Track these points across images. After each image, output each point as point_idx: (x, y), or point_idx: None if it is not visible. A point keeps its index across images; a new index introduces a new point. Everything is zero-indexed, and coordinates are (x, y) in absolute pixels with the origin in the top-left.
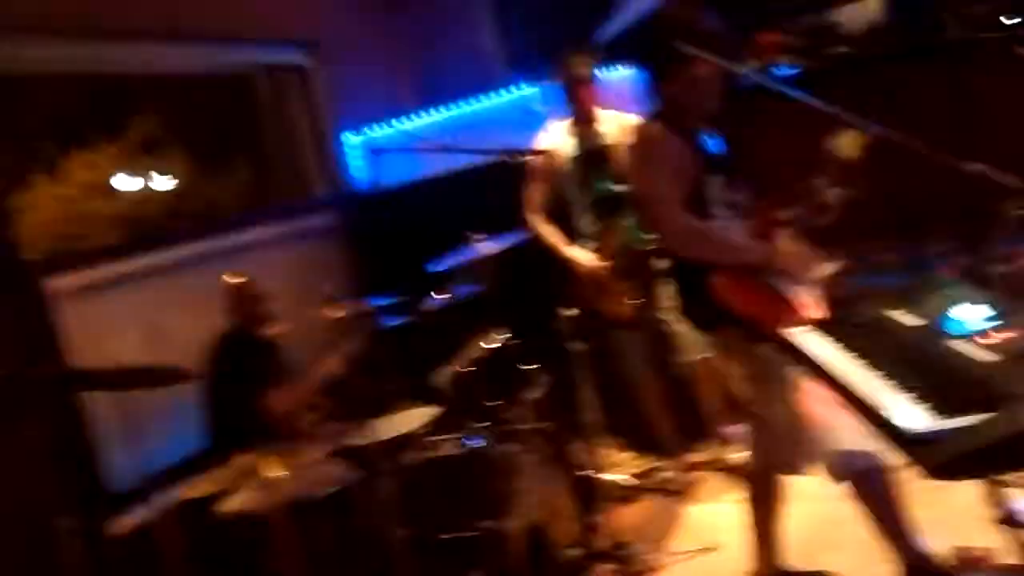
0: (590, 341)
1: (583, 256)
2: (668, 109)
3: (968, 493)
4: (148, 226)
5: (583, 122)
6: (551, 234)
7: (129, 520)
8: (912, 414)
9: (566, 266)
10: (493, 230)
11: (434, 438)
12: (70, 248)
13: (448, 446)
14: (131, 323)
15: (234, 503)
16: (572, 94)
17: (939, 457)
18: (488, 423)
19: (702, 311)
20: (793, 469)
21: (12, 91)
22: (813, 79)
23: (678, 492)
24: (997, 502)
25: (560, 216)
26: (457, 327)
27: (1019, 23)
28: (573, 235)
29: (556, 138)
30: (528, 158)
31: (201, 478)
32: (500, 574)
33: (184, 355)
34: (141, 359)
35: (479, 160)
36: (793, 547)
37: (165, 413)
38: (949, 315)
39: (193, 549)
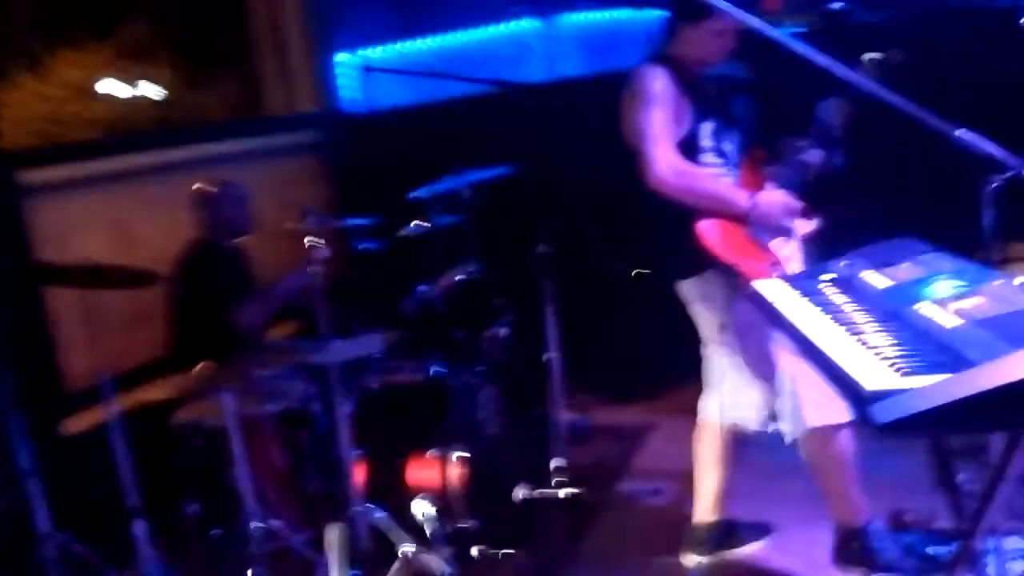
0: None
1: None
2: (672, 54)
3: (912, 456)
4: (131, 131)
5: None
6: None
7: (83, 420)
8: (870, 372)
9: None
10: (478, 161)
11: (394, 363)
12: (49, 144)
13: (407, 372)
14: (101, 223)
15: (191, 412)
16: None
17: (891, 415)
18: (450, 353)
19: (683, 255)
20: (751, 420)
21: None
22: (811, 39)
23: (629, 436)
24: (939, 466)
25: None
26: (432, 256)
27: None
28: None
29: None
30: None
31: (160, 384)
32: (446, 501)
33: (152, 260)
34: (109, 260)
35: (472, 89)
36: (739, 496)
37: (127, 315)
38: (920, 279)
39: (147, 454)
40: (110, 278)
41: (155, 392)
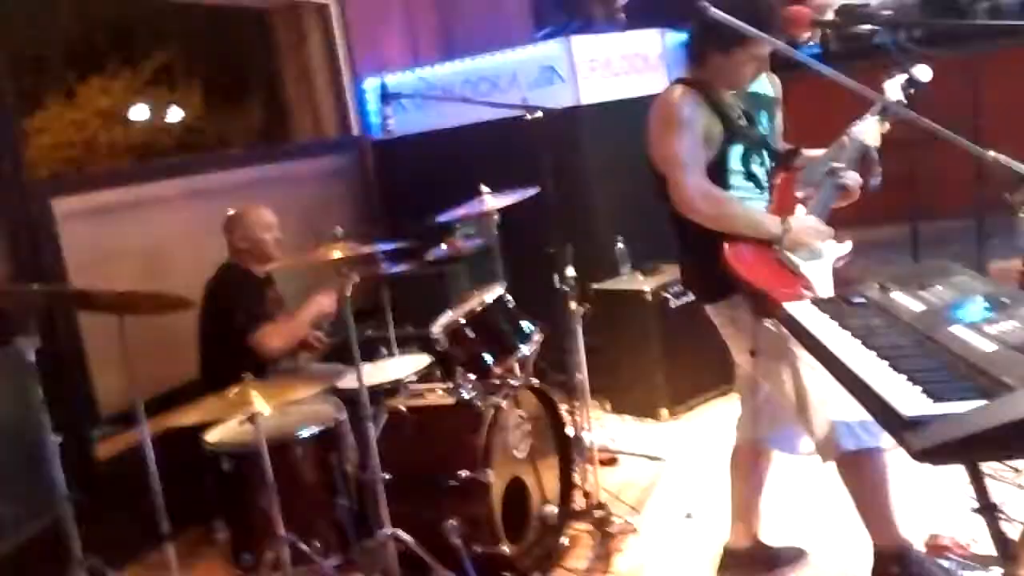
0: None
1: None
2: (700, 77)
3: (949, 480)
4: (160, 157)
5: None
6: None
7: (117, 443)
8: (904, 397)
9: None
10: (501, 185)
11: (423, 386)
12: (80, 171)
13: (436, 395)
14: (133, 249)
15: (221, 435)
16: None
17: (926, 441)
18: (478, 375)
19: (711, 280)
20: (782, 445)
21: (33, 13)
22: (836, 58)
23: (660, 458)
24: (977, 489)
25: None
26: (458, 279)
27: None
28: None
29: None
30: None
31: (191, 407)
32: (475, 525)
33: (183, 286)
34: (140, 285)
35: (495, 114)
36: (773, 522)
37: (160, 340)
38: (953, 302)
39: (179, 476)
40: (143, 305)
41: (187, 416)
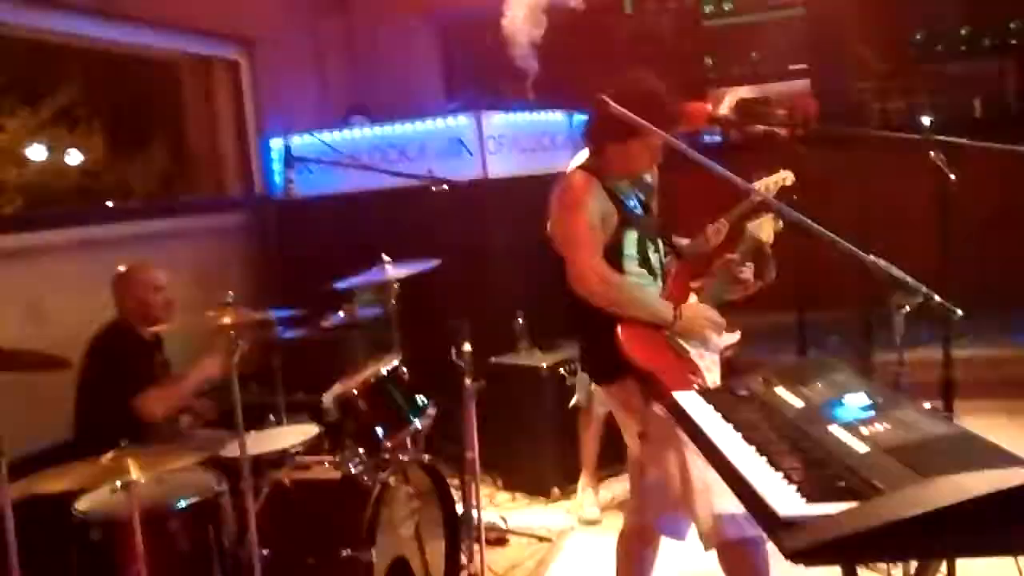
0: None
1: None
2: (598, 164)
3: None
4: (56, 199)
5: None
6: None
7: None
8: (780, 495)
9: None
10: (403, 255)
11: (310, 458)
12: None
13: (322, 468)
14: (14, 299)
15: (91, 502)
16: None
17: (800, 542)
18: (368, 449)
19: (603, 362)
20: (669, 531)
21: None
22: (736, 149)
23: (548, 539)
24: None
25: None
26: (353, 348)
27: (933, 126)
28: None
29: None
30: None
31: (62, 471)
32: None
33: (64, 339)
34: (19, 338)
35: (401, 182)
36: None
37: (29, 397)
38: (832, 401)
39: (45, 544)
40: (17, 362)
41: (55, 482)
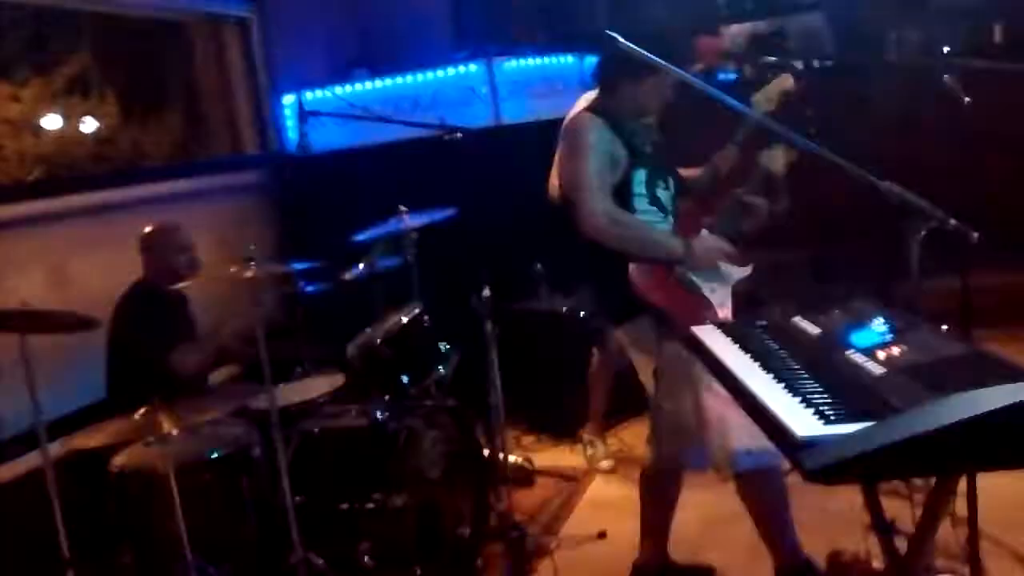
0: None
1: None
2: (608, 105)
3: (845, 499)
4: (71, 168)
5: None
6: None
7: (17, 467)
8: (798, 418)
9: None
10: (419, 204)
11: (337, 407)
12: None
13: (350, 417)
14: (39, 264)
15: (128, 457)
16: None
17: (818, 462)
18: (393, 396)
19: (618, 301)
20: (689, 464)
21: None
22: (750, 86)
23: (574, 478)
24: (871, 509)
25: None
26: (374, 299)
27: (951, 53)
28: None
29: None
30: None
31: (97, 429)
32: (388, 548)
33: (90, 302)
34: (46, 301)
35: (414, 133)
36: (679, 540)
37: (63, 359)
38: (848, 328)
39: (83, 500)
40: (48, 323)
41: (92, 438)
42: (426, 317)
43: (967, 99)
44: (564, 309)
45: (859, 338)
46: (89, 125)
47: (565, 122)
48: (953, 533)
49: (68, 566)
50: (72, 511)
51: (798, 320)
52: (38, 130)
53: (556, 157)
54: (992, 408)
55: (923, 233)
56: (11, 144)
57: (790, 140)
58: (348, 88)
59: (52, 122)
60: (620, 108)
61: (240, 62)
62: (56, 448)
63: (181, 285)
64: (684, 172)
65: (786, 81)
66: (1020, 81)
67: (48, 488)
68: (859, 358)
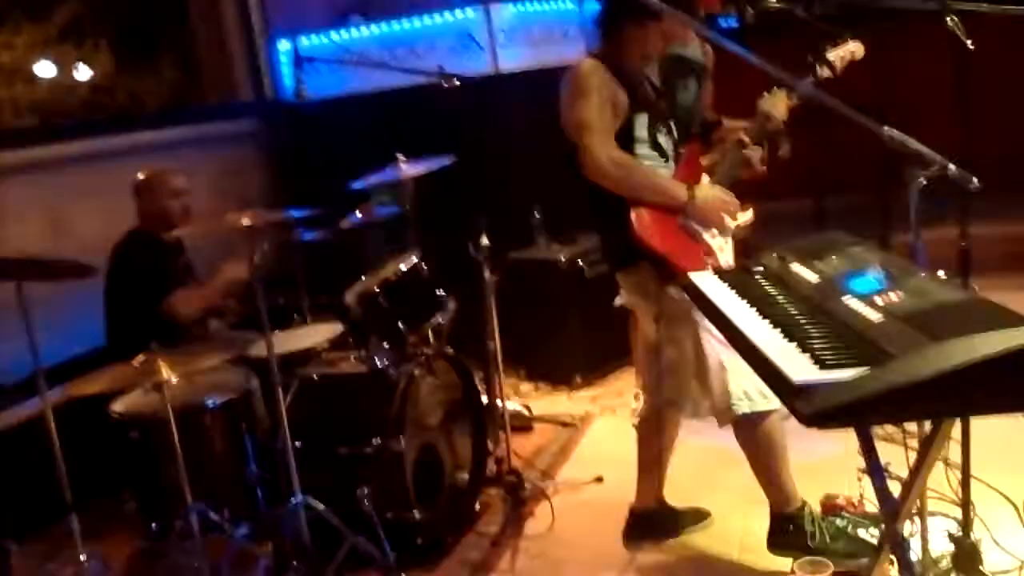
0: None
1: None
2: (610, 50)
3: (840, 443)
4: (67, 116)
5: None
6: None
7: (18, 413)
8: (794, 363)
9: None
10: (417, 152)
11: (336, 354)
12: None
13: (349, 363)
14: (35, 211)
15: (128, 403)
16: None
17: (814, 406)
18: (392, 343)
19: (619, 246)
20: (687, 408)
21: None
22: (751, 32)
23: (572, 425)
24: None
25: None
26: (372, 247)
27: None
28: None
29: None
30: None
31: (96, 375)
32: (387, 493)
33: (88, 248)
34: (43, 248)
35: (411, 80)
36: (676, 485)
37: (62, 306)
38: (846, 274)
39: (84, 447)
40: (45, 271)
41: (91, 385)
42: (424, 265)
43: (970, 44)
44: (562, 258)
45: (857, 285)
46: (83, 73)
47: (569, 67)
48: (946, 477)
49: (71, 511)
50: (73, 457)
51: (796, 267)
52: (31, 77)
53: (562, 99)
54: (987, 354)
55: (923, 180)
56: (4, 91)
57: (791, 84)
58: (344, 34)
59: (46, 69)
60: (622, 54)
61: (234, 8)
62: (56, 395)
63: (178, 232)
64: (732, 123)
65: (859, 50)
66: None
67: (50, 435)
68: (857, 304)
